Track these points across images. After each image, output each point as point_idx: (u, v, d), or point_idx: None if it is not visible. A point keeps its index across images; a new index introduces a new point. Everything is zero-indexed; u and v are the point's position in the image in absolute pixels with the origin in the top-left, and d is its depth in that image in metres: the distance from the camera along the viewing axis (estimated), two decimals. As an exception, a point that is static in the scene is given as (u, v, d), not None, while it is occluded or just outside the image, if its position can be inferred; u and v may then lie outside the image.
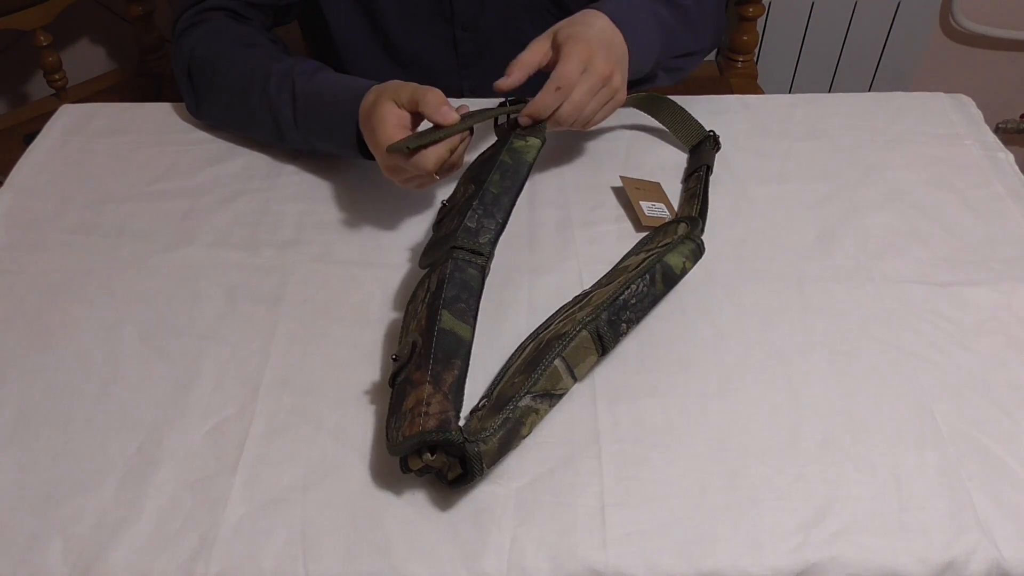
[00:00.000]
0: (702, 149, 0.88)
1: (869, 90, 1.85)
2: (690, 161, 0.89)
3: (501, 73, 1.04)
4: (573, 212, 0.83)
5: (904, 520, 0.58)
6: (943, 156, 0.89)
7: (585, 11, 0.83)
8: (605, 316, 0.65)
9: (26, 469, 0.61)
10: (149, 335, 0.71)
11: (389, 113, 0.75)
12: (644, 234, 0.80)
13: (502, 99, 0.79)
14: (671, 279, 0.69)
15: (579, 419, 0.64)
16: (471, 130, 0.76)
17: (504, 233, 0.79)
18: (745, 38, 1.52)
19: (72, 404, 0.66)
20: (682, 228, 0.75)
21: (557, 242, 0.80)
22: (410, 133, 0.75)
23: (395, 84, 0.77)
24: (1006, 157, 0.89)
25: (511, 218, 0.82)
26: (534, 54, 0.79)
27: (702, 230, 0.76)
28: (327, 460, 0.62)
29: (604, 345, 0.65)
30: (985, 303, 0.73)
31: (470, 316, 0.63)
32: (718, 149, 0.88)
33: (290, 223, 0.82)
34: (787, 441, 0.63)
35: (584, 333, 0.64)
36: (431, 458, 0.56)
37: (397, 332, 0.71)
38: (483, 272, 0.66)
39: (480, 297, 0.65)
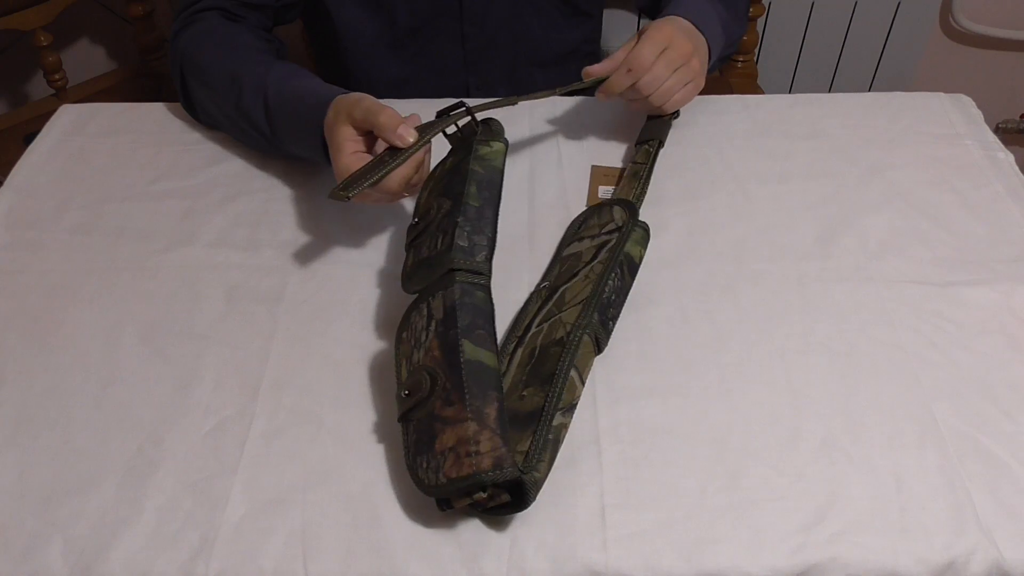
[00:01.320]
0: (660, 117, 0.89)
1: (869, 90, 1.85)
2: (644, 128, 0.89)
3: (507, 70, 1.04)
4: (573, 212, 0.83)
5: (904, 520, 0.58)
6: (943, 156, 0.89)
7: (666, 18, 0.86)
8: (597, 317, 0.65)
9: (26, 469, 0.61)
10: (149, 335, 0.71)
11: (345, 140, 0.73)
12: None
13: (453, 105, 0.75)
14: (634, 269, 0.72)
15: (579, 420, 0.64)
16: (430, 144, 0.73)
17: (504, 233, 0.79)
18: (745, 38, 1.52)
19: (72, 404, 0.66)
20: (618, 213, 0.75)
21: (557, 242, 0.79)
22: (368, 156, 0.73)
23: (351, 100, 0.74)
24: (1006, 157, 0.89)
25: (511, 217, 0.82)
26: (622, 50, 0.83)
27: (637, 213, 0.76)
28: (327, 460, 0.62)
29: (599, 345, 0.66)
30: (985, 303, 0.73)
31: (491, 342, 0.60)
32: (676, 116, 0.90)
33: (290, 223, 0.82)
34: (787, 441, 0.63)
35: (586, 338, 0.64)
36: (483, 496, 0.54)
37: (398, 332, 0.71)
38: (489, 293, 0.63)
39: (494, 320, 0.62)
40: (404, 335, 0.63)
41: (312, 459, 0.62)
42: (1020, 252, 0.78)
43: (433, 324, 0.61)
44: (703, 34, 0.87)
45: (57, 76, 1.41)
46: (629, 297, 0.73)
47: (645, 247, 0.74)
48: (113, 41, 1.74)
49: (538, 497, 0.59)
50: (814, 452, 0.62)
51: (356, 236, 0.80)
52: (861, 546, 0.57)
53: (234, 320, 0.72)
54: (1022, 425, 0.64)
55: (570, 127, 0.93)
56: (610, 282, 0.68)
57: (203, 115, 0.92)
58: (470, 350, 0.58)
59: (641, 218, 0.76)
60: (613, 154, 0.90)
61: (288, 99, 0.81)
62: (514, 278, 0.75)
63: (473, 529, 0.58)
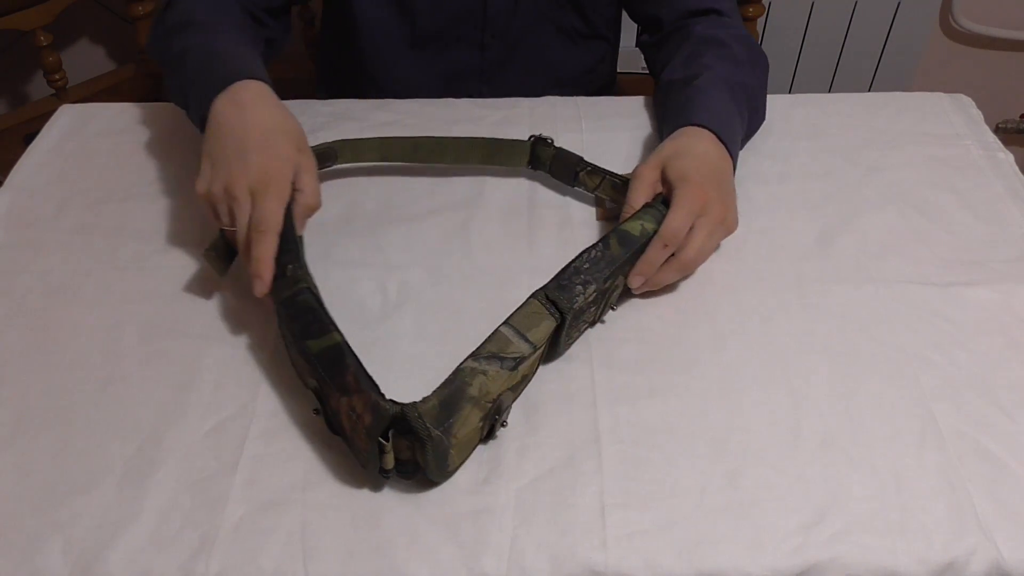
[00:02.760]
0: None
1: (869, 90, 1.85)
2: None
3: (523, 80, 1.04)
4: (573, 212, 0.83)
5: (904, 520, 0.58)
6: (943, 156, 0.89)
7: (688, 130, 0.79)
8: (553, 283, 0.66)
9: (26, 469, 0.61)
10: (149, 335, 0.71)
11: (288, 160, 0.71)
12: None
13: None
14: (629, 241, 0.70)
15: (579, 419, 0.64)
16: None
17: (504, 233, 0.80)
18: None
19: (72, 404, 0.66)
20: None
21: (557, 242, 0.80)
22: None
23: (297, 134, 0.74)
24: (1006, 157, 0.89)
25: (510, 217, 0.82)
26: (640, 194, 0.75)
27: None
28: (327, 460, 0.62)
29: (560, 308, 0.65)
30: (985, 303, 0.73)
31: (325, 326, 0.63)
32: None
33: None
34: (787, 441, 0.63)
35: (532, 300, 0.65)
36: (388, 444, 0.57)
37: (397, 331, 0.71)
38: (309, 291, 0.66)
39: (322, 302, 0.65)
40: (296, 370, 0.67)
41: (312, 459, 0.62)
42: (1020, 252, 0.78)
43: (291, 347, 0.65)
44: (726, 146, 0.79)
45: (57, 76, 1.41)
46: (629, 297, 0.73)
47: (655, 224, 0.72)
48: (113, 41, 1.74)
49: (536, 496, 0.59)
50: (814, 452, 0.62)
51: (356, 236, 0.80)
52: (861, 546, 0.57)
53: (234, 320, 0.72)
54: (1022, 425, 0.64)
55: (570, 127, 0.93)
56: (585, 254, 0.68)
57: (156, 53, 0.89)
58: (313, 346, 0.61)
59: None
60: (614, 153, 0.90)
61: (213, 52, 0.80)
62: (514, 278, 0.75)
63: (473, 529, 0.58)
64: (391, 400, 0.57)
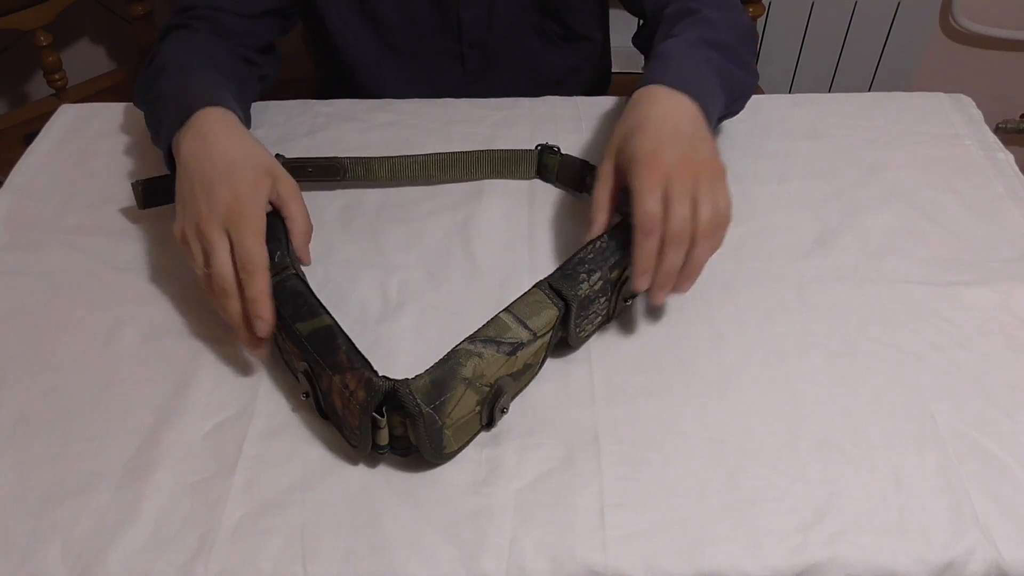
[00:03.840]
0: None
1: (869, 90, 1.85)
2: None
3: (507, 86, 1.04)
4: (574, 211, 0.83)
5: (903, 520, 0.58)
6: (943, 156, 0.89)
7: (637, 97, 0.72)
8: (557, 273, 0.66)
9: (25, 470, 0.61)
10: (148, 336, 0.71)
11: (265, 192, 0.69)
12: None
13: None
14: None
15: (578, 419, 0.64)
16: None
17: (504, 233, 0.80)
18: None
19: (71, 405, 0.66)
20: None
21: (557, 242, 0.80)
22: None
23: (281, 170, 0.72)
24: (1006, 157, 0.89)
25: (511, 217, 0.82)
26: (602, 191, 0.71)
27: None
28: (326, 460, 0.62)
29: (564, 297, 0.64)
30: (985, 303, 0.73)
31: (315, 309, 0.63)
32: None
33: (290, 223, 0.82)
34: (786, 441, 0.63)
35: (535, 289, 0.65)
36: (382, 420, 0.58)
37: (397, 331, 0.71)
38: (296, 277, 0.66)
39: (310, 288, 0.66)
40: (284, 359, 0.67)
41: (311, 459, 0.62)
42: (1019, 252, 0.78)
43: (280, 332, 0.65)
44: (696, 101, 0.72)
45: (57, 76, 1.41)
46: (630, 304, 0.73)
47: None
48: (113, 41, 1.74)
49: (535, 496, 0.59)
50: (813, 452, 0.62)
51: (356, 236, 0.80)
52: (860, 546, 0.57)
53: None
54: (1021, 425, 0.64)
55: (570, 127, 0.93)
56: (589, 245, 0.68)
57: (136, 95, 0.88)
58: (303, 328, 0.62)
59: None
60: (613, 154, 0.90)
61: (182, 89, 0.77)
62: (514, 278, 0.75)
63: (473, 529, 0.58)
64: (384, 376, 0.58)
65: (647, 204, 0.65)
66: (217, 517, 0.58)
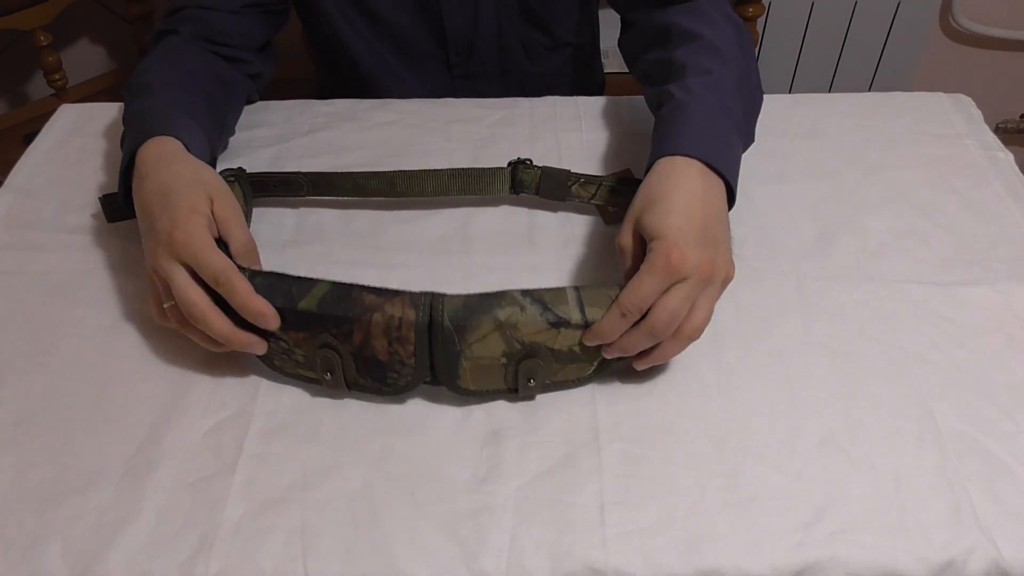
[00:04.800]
0: None
1: (869, 90, 1.85)
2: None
3: (496, 91, 1.03)
4: (574, 212, 0.83)
5: (903, 519, 0.58)
6: (943, 156, 0.89)
7: (662, 166, 0.67)
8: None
9: (25, 469, 0.61)
10: (149, 335, 0.71)
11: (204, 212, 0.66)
12: None
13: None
14: None
15: (579, 418, 0.64)
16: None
17: (504, 233, 0.80)
18: (745, 38, 1.52)
19: (71, 404, 0.66)
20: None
21: (557, 242, 0.80)
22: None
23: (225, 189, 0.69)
24: (1006, 157, 0.89)
25: (511, 217, 0.82)
26: (628, 268, 0.65)
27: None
28: (327, 460, 0.62)
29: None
30: (985, 303, 0.73)
31: (305, 280, 0.62)
32: None
33: (290, 223, 0.82)
34: (786, 440, 0.63)
35: (614, 286, 0.62)
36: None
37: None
38: (257, 274, 0.63)
39: (282, 272, 0.63)
40: (276, 362, 0.66)
41: (312, 458, 0.62)
42: (1020, 252, 0.78)
43: (276, 332, 0.63)
44: (717, 168, 0.67)
45: (57, 76, 1.41)
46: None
47: None
48: (113, 41, 1.74)
49: (536, 495, 0.59)
50: (813, 451, 0.62)
51: (356, 236, 0.81)
52: (860, 545, 0.57)
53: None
54: (1021, 424, 0.64)
55: (570, 126, 0.93)
56: None
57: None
58: (307, 303, 0.61)
59: None
60: (615, 154, 0.90)
61: (139, 118, 0.76)
62: (514, 278, 0.75)
63: (473, 528, 0.58)
64: (421, 291, 0.60)
65: (643, 288, 0.60)
66: (217, 515, 0.58)
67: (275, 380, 0.67)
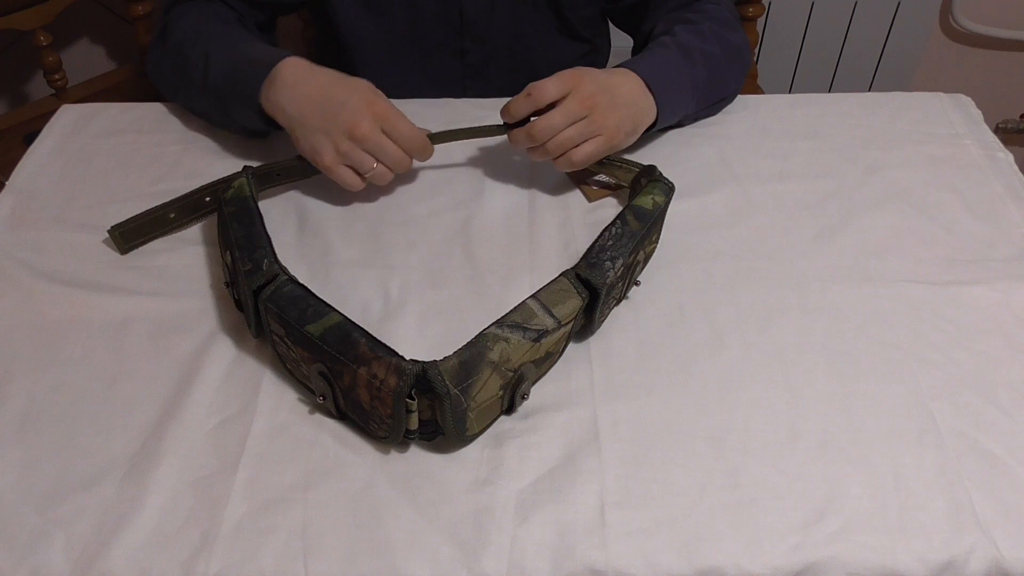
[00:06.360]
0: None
1: (869, 90, 1.85)
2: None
3: (505, 85, 1.04)
4: (573, 212, 0.83)
5: (903, 519, 0.58)
6: (943, 156, 0.89)
7: (616, 70, 0.83)
8: (583, 263, 0.67)
9: (29, 466, 0.62)
10: (153, 333, 0.71)
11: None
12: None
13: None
14: (643, 215, 0.72)
15: (579, 418, 0.64)
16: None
17: (504, 233, 0.80)
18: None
19: (76, 402, 0.66)
20: (643, 181, 0.79)
21: (557, 242, 0.80)
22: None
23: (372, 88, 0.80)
24: (1006, 157, 0.89)
25: (511, 217, 0.82)
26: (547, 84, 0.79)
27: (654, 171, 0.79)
28: (328, 459, 0.62)
29: (593, 286, 0.65)
30: (984, 303, 0.73)
31: (323, 307, 0.63)
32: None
33: (291, 223, 0.82)
34: (786, 440, 0.63)
35: (562, 278, 0.66)
36: (414, 404, 0.59)
37: (399, 331, 0.71)
38: (291, 282, 0.66)
39: (308, 290, 0.65)
40: (288, 366, 0.67)
41: (313, 458, 0.62)
42: (1019, 252, 0.78)
43: (284, 339, 0.64)
44: (653, 95, 0.83)
45: (57, 76, 1.41)
46: (630, 296, 0.73)
47: (666, 196, 0.75)
48: (113, 41, 1.74)
49: (536, 496, 0.59)
50: (813, 451, 0.62)
51: (356, 236, 0.81)
52: (860, 544, 0.57)
53: (236, 319, 0.72)
54: (1021, 424, 0.64)
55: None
56: (606, 232, 0.69)
57: (165, 86, 0.95)
58: (314, 329, 0.62)
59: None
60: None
61: (231, 60, 0.85)
62: (515, 278, 0.76)
63: (473, 529, 0.58)
64: (412, 360, 0.59)
65: (549, 84, 0.76)
66: (219, 514, 0.58)
67: (278, 380, 0.67)
